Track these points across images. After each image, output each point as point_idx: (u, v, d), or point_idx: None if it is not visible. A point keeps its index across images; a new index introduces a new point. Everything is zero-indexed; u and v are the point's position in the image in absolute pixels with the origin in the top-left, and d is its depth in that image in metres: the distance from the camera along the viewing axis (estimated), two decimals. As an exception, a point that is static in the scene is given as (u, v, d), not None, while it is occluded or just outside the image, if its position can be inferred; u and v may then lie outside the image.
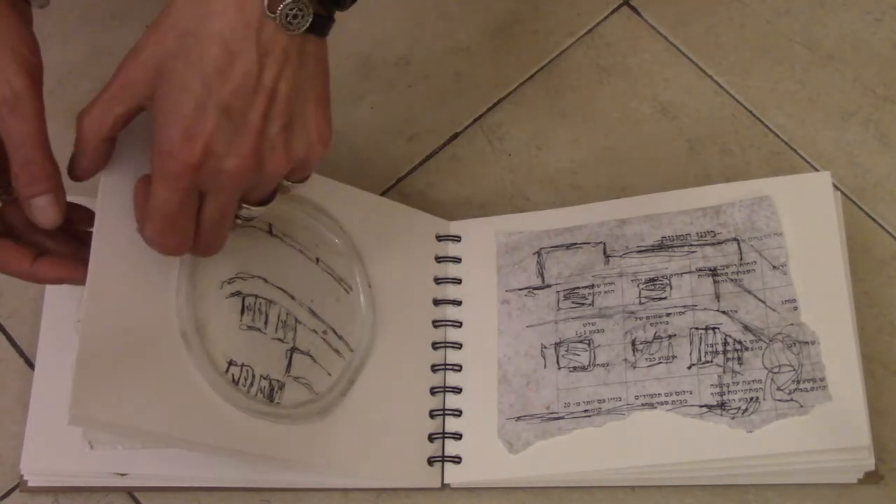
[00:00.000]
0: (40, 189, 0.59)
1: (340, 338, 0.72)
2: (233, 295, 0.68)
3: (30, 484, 0.73)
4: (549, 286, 0.75)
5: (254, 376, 0.67)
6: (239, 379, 0.66)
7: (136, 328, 0.63)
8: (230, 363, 0.66)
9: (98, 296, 0.61)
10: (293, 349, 0.70)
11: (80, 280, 0.62)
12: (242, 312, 0.68)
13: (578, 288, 0.74)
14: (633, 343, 0.72)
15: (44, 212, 0.60)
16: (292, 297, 0.70)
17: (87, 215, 0.65)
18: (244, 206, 0.61)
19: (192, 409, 0.64)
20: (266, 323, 0.69)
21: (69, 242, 0.65)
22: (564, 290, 0.75)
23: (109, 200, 0.62)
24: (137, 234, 0.62)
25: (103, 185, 0.62)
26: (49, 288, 0.77)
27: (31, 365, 0.77)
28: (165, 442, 0.64)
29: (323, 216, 0.74)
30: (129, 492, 0.74)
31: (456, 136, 0.84)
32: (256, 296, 0.69)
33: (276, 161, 0.58)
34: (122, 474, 0.71)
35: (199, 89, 0.56)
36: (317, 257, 0.72)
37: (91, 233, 0.62)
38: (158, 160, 0.57)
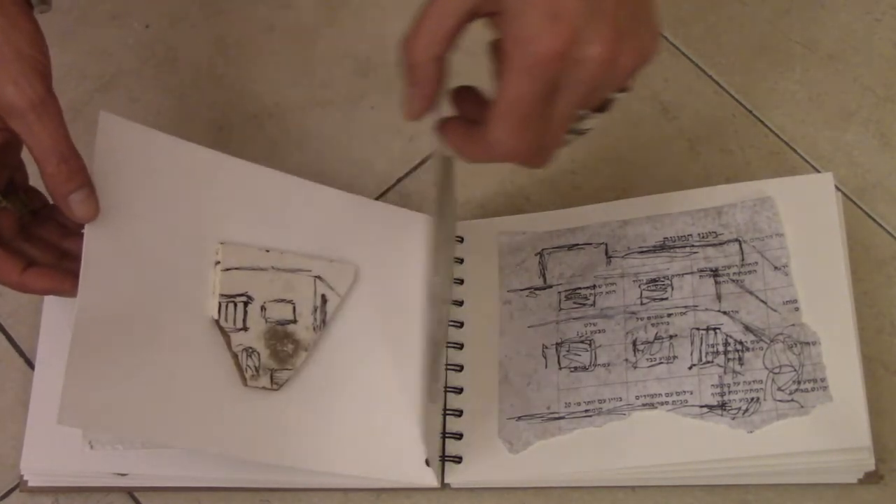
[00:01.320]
0: (78, 183, 0.60)
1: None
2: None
3: (30, 484, 0.73)
4: (550, 286, 0.75)
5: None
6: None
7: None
8: None
9: None
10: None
11: (68, 291, 0.63)
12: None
13: (580, 288, 0.74)
14: (634, 343, 0.72)
15: (83, 205, 0.61)
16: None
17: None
18: (582, 112, 0.58)
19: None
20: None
21: (52, 252, 0.65)
22: (566, 291, 0.75)
23: None
24: None
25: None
26: (49, 288, 0.77)
27: (31, 365, 0.77)
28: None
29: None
30: (129, 492, 0.74)
31: (456, 135, 0.84)
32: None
33: (630, 52, 0.56)
34: (122, 474, 0.71)
35: None
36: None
37: (80, 236, 0.63)
38: (518, 50, 0.54)
